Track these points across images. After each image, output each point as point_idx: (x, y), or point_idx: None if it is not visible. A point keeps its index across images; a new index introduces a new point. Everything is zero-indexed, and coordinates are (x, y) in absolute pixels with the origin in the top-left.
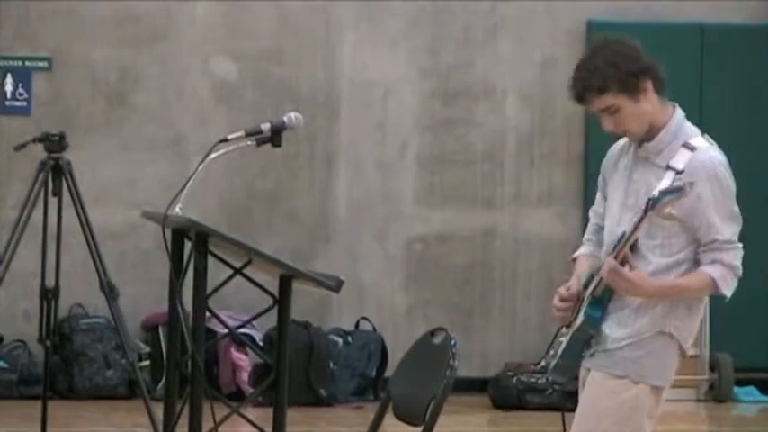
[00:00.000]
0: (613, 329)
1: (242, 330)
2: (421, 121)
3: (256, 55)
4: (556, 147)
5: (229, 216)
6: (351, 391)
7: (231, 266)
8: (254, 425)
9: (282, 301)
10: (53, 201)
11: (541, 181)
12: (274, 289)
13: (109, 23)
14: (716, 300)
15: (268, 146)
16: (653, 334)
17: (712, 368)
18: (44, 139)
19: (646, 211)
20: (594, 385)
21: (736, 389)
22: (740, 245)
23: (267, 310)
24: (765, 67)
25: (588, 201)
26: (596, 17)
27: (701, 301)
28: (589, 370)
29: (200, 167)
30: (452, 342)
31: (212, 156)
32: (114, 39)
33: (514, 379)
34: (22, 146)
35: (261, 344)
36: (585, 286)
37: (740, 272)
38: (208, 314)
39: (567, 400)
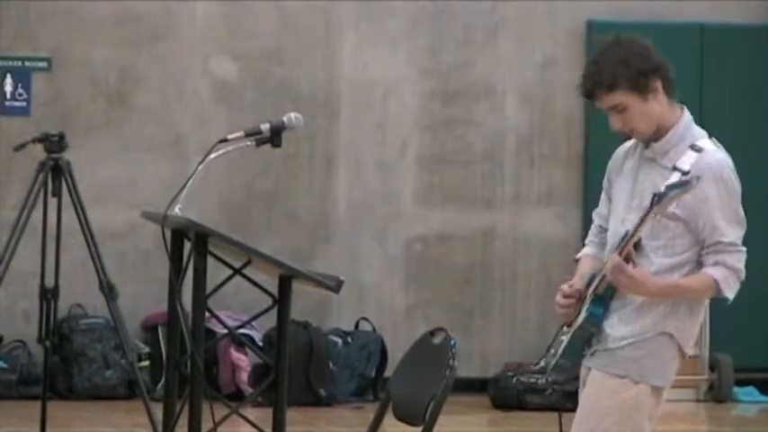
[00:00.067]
0: (615, 328)
1: (241, 330)
2: (421, 121)
3: (256, 55)
4: (556, 147)
5: (229, 216)
6: (350, 391)
7: (231, 267)
8: (253, 425)
9: (282, 301)
10: (53, 201)
11: (541, 181)
12: (274, 289)
13: (109, 23)
14: (717, 301)
15: (268, 146)
16: (654, 334)
17: (712, 368)
18: (44, 139)
19: (651, 206)
20: (595, 384)
21: (735, 389)
22: (744, 248)
23: (267, 311)
24: (765, 67)
25: (588, 201)
26: (596, 17)
27: (702, 304)
28: (590, 369)
29: (200, 167)
30: (452, 342)
31: (212, 156)
32: (114, 39)
33: (514, 379)
34: (22, 146)
35: (260, 344)
36: (588, 285)
37: (743, 275)
38: (207, 314)
39: (566, 401)
